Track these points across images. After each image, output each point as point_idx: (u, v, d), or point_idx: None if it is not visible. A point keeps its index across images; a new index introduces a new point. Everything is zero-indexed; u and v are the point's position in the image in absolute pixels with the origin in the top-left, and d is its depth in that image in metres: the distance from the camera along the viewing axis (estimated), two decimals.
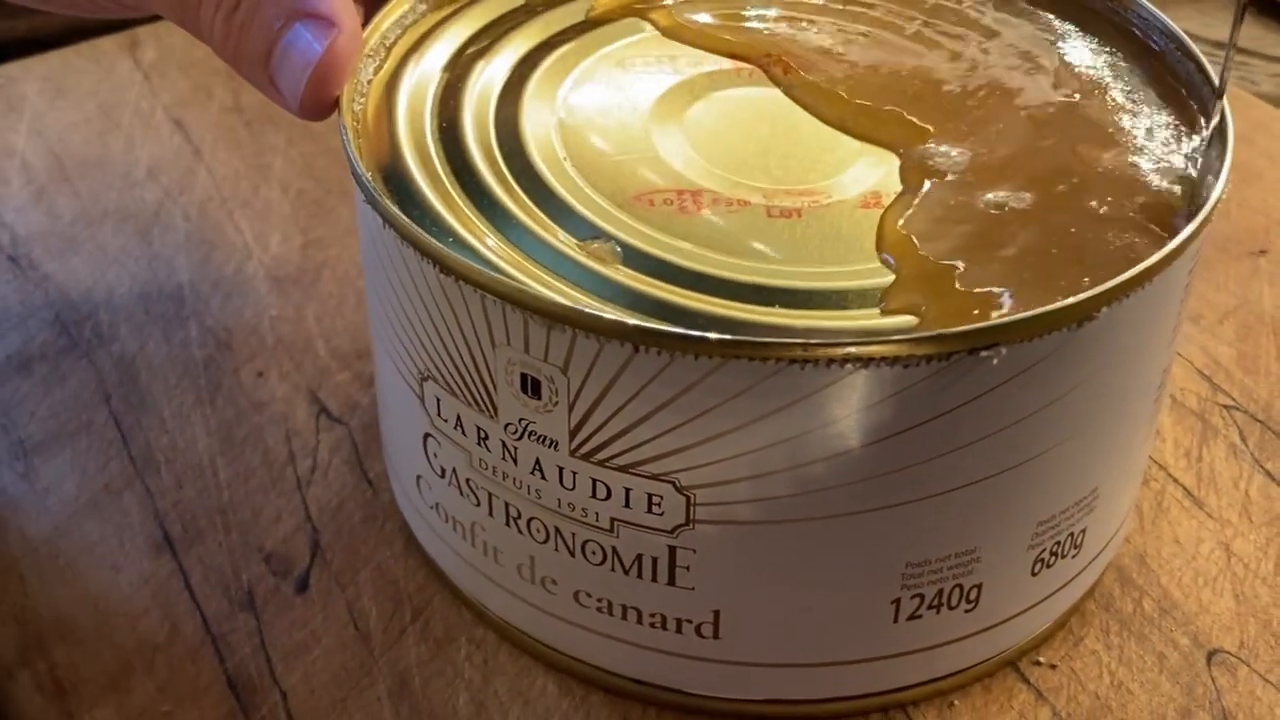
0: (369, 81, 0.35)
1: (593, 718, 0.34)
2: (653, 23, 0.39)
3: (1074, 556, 0.34)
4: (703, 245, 0.31)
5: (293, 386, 0.43)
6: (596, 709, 0.34)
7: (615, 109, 0.36)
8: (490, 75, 0.36)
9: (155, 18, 0.42)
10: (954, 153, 0.34)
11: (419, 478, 0.35)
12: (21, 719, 0.35)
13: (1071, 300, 0.28)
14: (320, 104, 0.33)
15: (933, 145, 0.34)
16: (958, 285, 0.30)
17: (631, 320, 0.28)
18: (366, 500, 0.39)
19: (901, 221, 0.32)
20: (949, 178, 0.33)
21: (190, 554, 0.38)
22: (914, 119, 0.35)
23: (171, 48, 0.57)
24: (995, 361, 0.28)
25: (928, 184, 0.33)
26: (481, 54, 0.37)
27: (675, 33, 0.39)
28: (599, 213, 0.32)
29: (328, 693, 0.34)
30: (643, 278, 0.30)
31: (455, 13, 0.38)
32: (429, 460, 0.34)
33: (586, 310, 0.28)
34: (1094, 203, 0.32)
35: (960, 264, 0.30)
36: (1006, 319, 0.28)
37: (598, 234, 0.32)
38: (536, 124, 0.35)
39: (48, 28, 0.59)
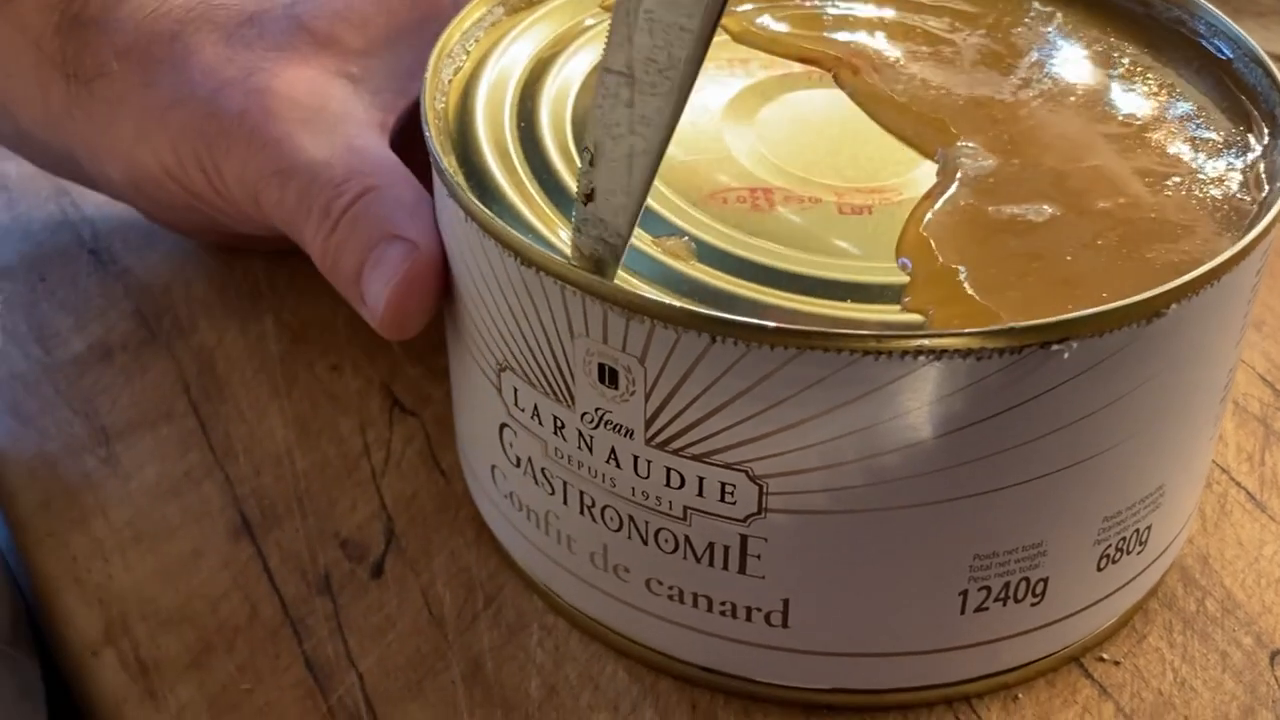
0: (449, 81, 0.36)
1: (661, 704, 0.35)
2: (723, 28, 0.40)
3: (1139, 553, 0.34)
4: (776, 241, 0.32)
5: (366, 380, 0.44)
6: (665, 695, 0.35)
7: (687, 110, 0.36)
8: (566, 76, 0.37)
9: None
10: (988, 161, 0.34)
11: (494, 467, 0.36)
12: (106, 695, 0.36)
13: (1142, 296, 0.29)
14: (402, 320, 0.36)
15: (970, 152, 0.34)
16: (968, 289, 0.30)
17: (708, 311, 0.29)
18: (439, 490, 0.40)
19: (923, 225, 0.32)
20: (980, 184, 0.33)
21: (269, 539, 0.39)
22: (952, 125, 0.35)
23: None
24: (1066, 356, 0.28)
25: (954, 188, 0.33)
26: (557, 56, 0.38)
27: (745, 37, 0.39)
28: (674, 210, 0.33)
29: (403, 675, 0.35)
30: (717, 273, 0.31)
31: (531, 16, 0.39)
32: (505, 450, 0.34)
33: (665, 301, 0.29)
34: (1151, 213, 0.32)
35: (965, 268, 0.31)
36: (1078, 313, 0.28)
37: (673, 231, 0.32)
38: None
39: None
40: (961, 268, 0.31)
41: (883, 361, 0.28)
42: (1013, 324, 0.28)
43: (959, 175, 0.34)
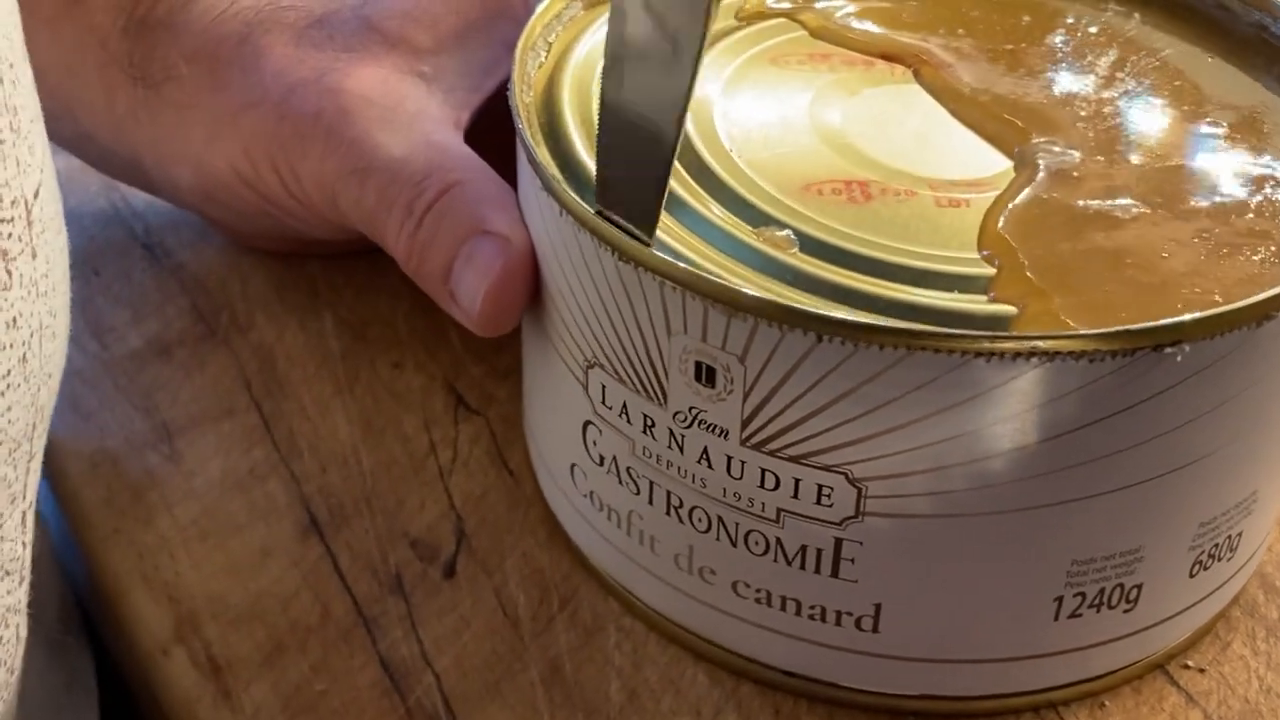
0: (533, 74, 0.36)
1: (744, 708, 0.34)
2: (802, 24, 0.39)
3: (1229, 560, 0.34)
4: (877, 232, 0.31)
5: (429, 378, 0.43)
6: (747, 700, 0.34)
7: (774, 105, 0.36)
8: None
9: None
10: (1071, 157, 0.34)
11: (574, 466, 0.35)
12: (178, 695, 0.35)
13: (1254, 299, 0.28)
14: (498, 317, 0.35)
15: (1052, 148, 0.34)
16: (1040, 284, 0.30)
17: (816, 309, 0.28)
18: (509, 489, 0.39)
19: (1006, 219, 0.32)
20: (1065, 179, 0.33)
21: (338, 538, 0.38)
22: (1033, 123, 0.35)
23: None
24: (1179, 359, 0.28)
25: (1039, 182, 0.33)
26: None
27: (823, 33, 0.39)
28: (770, 202, 0.32)
29: (480, 676, 0.35)
30: (819, 263, 0.31)
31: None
32: (587, 448, 0.34)
33: (769, 298, 0.28)
34: (1248, 214, 0.32)
35: (1051, 263, 0.30)
36: (1191, 316, 0.28)
37: (771, 221, 0.32)
38: (700, 118, 0.35)
39: None
40: (1046, 262, 0.30)
41: (994, 363, 0.28)
42: (1126, 326, 0.28)
43: (1042, 171, 0.33)
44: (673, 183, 0.33)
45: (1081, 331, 0.28)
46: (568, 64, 0.36)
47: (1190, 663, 0.35)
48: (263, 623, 0.36)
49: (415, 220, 0.36)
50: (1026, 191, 0.33)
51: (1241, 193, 0.33)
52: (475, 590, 0.37)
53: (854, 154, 0.34)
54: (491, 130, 0.39)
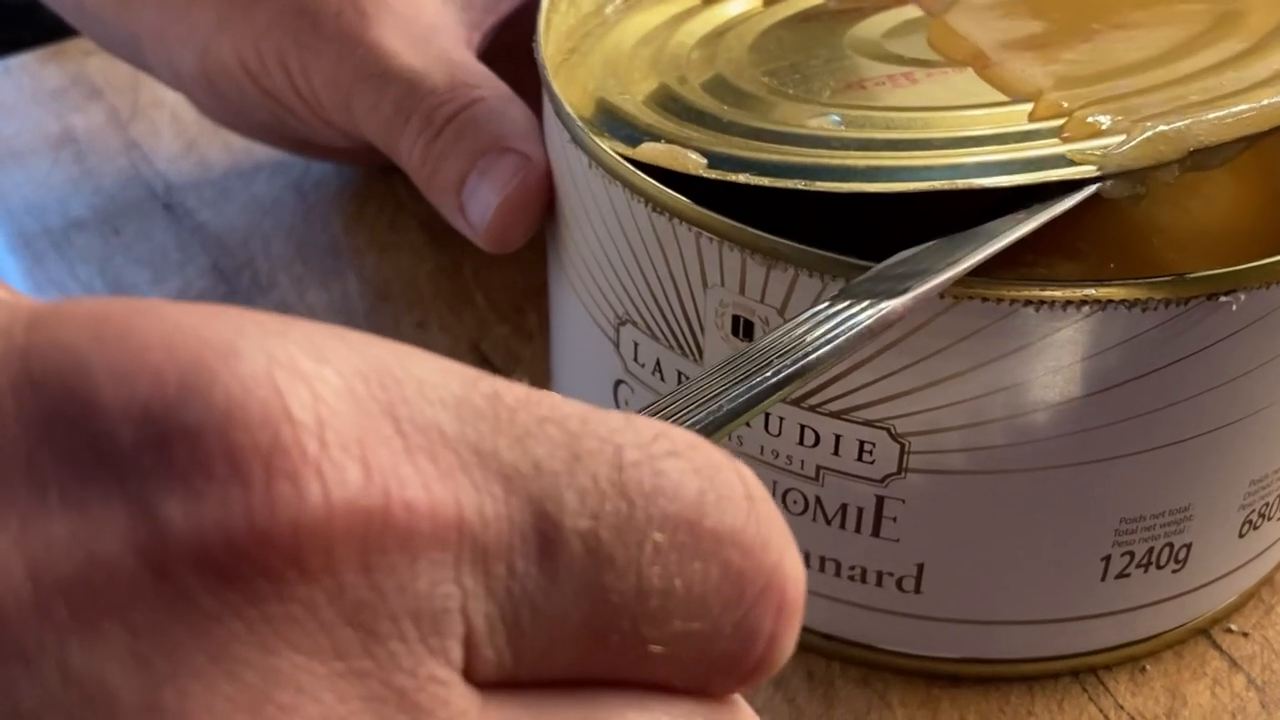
0: (558, 25, 0.35)
1: (776, 672, 0.33)
2: None
3: (1278, 520, 0.33)
4: (920, 104, 0.31)
5: (454, 338, 0.42)
6: None
7: (808, 42, 0.35)
8: (689, 29, 0.36)
9: None
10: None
11: None
12: None
13: None
14: (506, 233, 0.35)
15: None
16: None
17: (856, 260, 0.27)
18: None
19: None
20: None
21: None
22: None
23: None
24: (1234, 308, 0.27)
25: None
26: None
27: None
28: (817, 105, 0.32)
29: None
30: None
31: None
32: (619, 407, 0.33)
33: (809, 249, 0.28)
34: None
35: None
36: (1247, 265, 0.27)
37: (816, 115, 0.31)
38: (732, 60, 0.34)
39: None
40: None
41: (1044, 312, 0.27)
42: (1180, 275, 0.27)
43: None
44: (707, 104, 0.32)
45: (1133, 280, 0.27)
46: (600, 13, 0.35)
47: (1234, 626, 0.35)
48: None
49: (434, 130, 0.35)
50: None
51: None
52: None
53: (897, 53, 0.33)
54: (501, 58, 0.38)
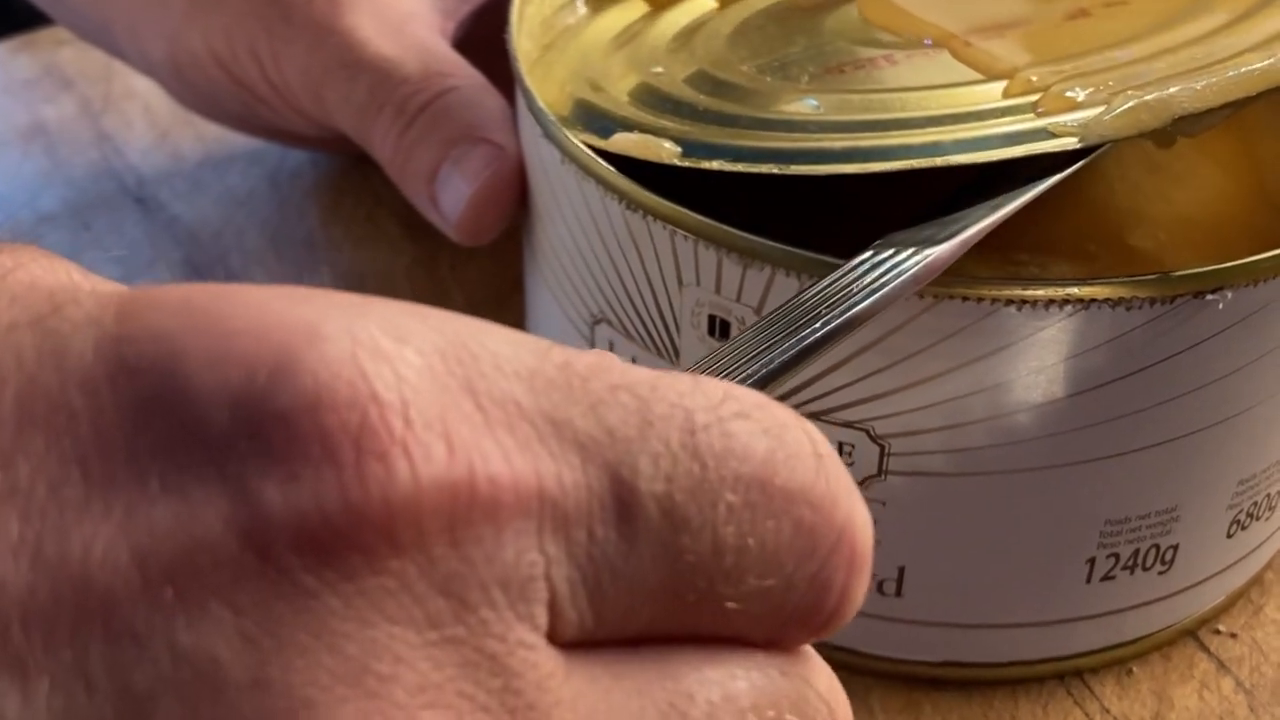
0: (532, 18, 0.34)
1: None
2: None
3: (1267, 519, 0.32)
4: (898, 85, 0.30)
5: None
6: None
7: (789, 30, 0.34)
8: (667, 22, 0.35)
9: None
10: None
11: None
12: None
13: None
14: (479, 227, 0.34)
15: None
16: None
17: (834, 259, 0.27)
18: None
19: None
20: None
21: None
22: None
23: None
24: (1221, 306, 0.26)
25: None
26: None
27: None
28: (795, 90, 0.31)
29: None
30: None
31: None
32: None
33: (786, 248, 0.27)
34: None
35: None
36: (1234, 263, 0.26)
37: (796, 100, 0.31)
38: (711, 51, 0.33)
39: None
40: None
41: (1026, 312, 0.26)
42: (1165, 273, 0.26)
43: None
44: (686, 94, 0.31)
45: (1118, 278, 0.26)
46: (573, 7, 0.35)
47: (1222, 627, 0.34)
48: None
49: (406, 119, 0.35)
50: None
51: None
52: None
53: (870, 36, 0.33)
54: (477, 48, 0.38)
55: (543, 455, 0.16)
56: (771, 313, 0.24)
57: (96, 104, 0.51)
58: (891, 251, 0.25)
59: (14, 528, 0.14)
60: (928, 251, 0.25)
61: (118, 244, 0.45)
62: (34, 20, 0.53)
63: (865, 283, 0.24)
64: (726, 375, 0.22)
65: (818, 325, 0.23)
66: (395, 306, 0.16)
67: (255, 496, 0.14)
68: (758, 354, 0.23)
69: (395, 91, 0.35)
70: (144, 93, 0.51)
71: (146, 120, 0.50)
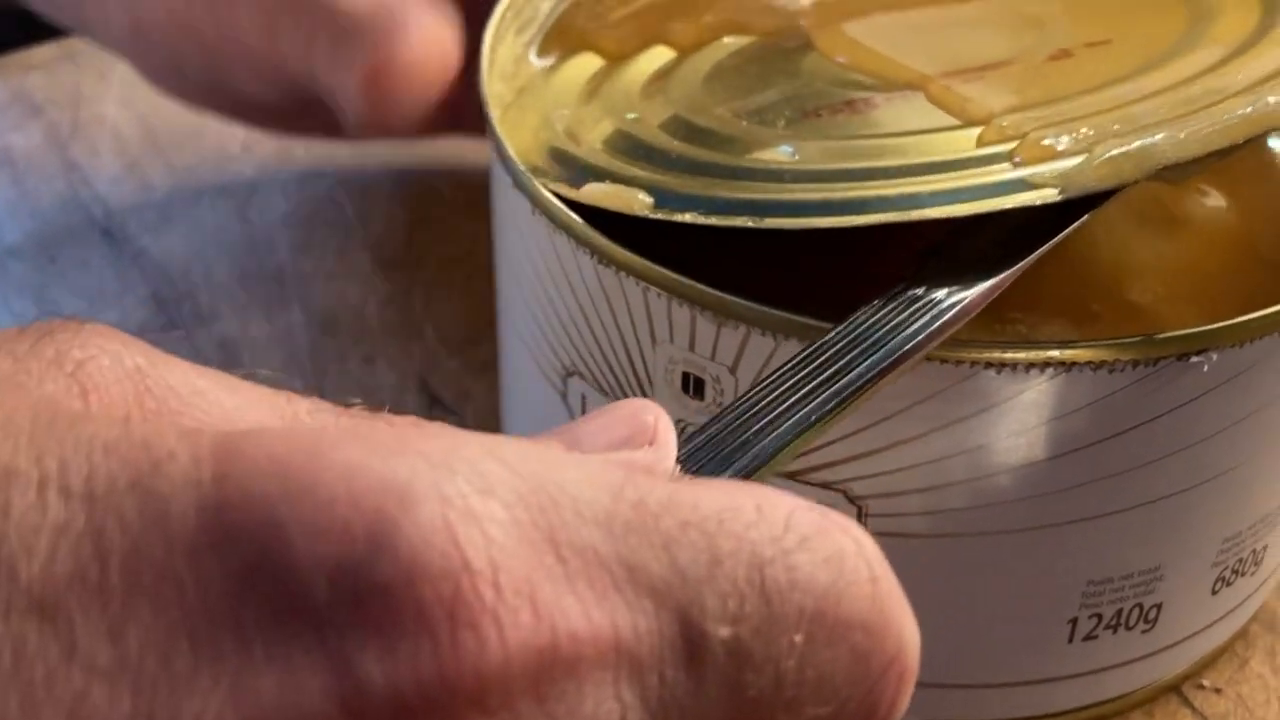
0: (505, 61, 0.33)
1: None
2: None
3: (1252, 574, 0.32)
4: (876, 131, 0.29)
5: (402, 374, 0.41)
6: None
7: (766, 71, 0.33)
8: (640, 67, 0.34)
9: None
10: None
11: None
12: None
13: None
14: (378, 114, 0.37)
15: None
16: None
17: (810, 320, 0.26)
18: None
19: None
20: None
21: None
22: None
23: None
24: (1205, 368, 0.26)
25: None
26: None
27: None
28: (771, 136, 0.30)
29: None
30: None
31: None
32: None
33: (761, 308, 0.26)
34: None
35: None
36: (1219, 324, 0.26)
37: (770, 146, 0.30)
38: (687, 95, 0.32)
39: None
40: None
41: (1005, 374, 0.25)
42: (1149, 335, 0.26)
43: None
44: (662, 140, 0.30)
45: (1100, 341, 0.25)
46: (553, 52, 0.34)
47: (1206, 682, 0.33)
48: None
49: (350, 46, 0.36)
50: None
51: None
52: None
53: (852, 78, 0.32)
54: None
55: (619, 605, 0.16)
56: (795, 358, 0.24)
57: (64, 130, 0.50)
58: (924, 288, 0.25)
59: (126, 703, 0.15)
60: (962, 294, 0.25)
61: (83, 278, 0.44)
62: (2, 45, 0.53)
63: (896, 323, 0.25)
64: (773, 417, 0.23)
65: (855, 371, 0.24)
66: (476, 447, 0.17)
67: (355, 668, 0.15)
68: (800, 400, 0.23)
69: (343, 19, 0.37)
70: (112, 118, 0.50)
71: (115, 148, 0.49)
